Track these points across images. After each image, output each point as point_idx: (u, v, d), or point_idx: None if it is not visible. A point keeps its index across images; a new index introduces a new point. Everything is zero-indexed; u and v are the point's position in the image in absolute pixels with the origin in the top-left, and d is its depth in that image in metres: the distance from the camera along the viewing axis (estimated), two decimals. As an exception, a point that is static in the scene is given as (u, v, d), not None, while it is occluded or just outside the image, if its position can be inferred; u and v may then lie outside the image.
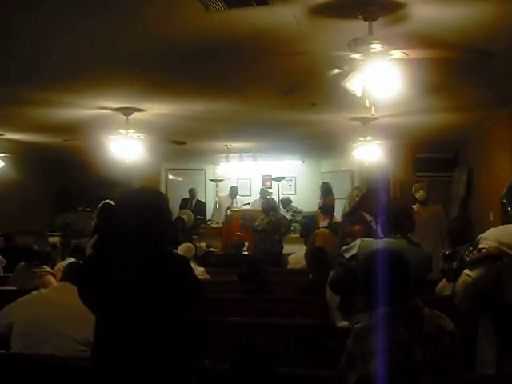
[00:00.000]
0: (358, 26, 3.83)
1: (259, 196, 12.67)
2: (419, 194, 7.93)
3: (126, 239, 2.68)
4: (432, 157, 11.61)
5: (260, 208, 10.55)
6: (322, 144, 11.22)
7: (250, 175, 13.86)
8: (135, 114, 7.21)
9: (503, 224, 3.76)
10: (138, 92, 6.33)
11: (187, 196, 13.07)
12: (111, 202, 6.47)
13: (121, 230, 2.69)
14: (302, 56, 4.59)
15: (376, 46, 3.71)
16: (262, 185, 13.75)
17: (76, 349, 3.78)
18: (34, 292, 4.43)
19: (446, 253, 3.91)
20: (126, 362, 2.65)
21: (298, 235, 11.31)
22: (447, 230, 4.37)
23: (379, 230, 4.13)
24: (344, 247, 4.13)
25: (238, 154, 12.29)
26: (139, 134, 7.39)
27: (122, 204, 2.83)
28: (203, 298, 2.94)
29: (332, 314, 4.96)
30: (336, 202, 10.16)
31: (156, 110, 7.17)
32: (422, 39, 4.07)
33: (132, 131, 7.33)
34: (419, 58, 3.93)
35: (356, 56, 3.82)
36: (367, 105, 4.16)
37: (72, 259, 7.79)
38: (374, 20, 3.69)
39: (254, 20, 3.99)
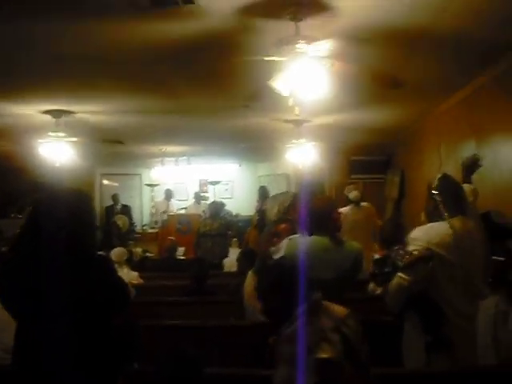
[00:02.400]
0: (287, 26, 3.85)
1: (194, 200, 12.64)
2: (353, 195, 8.03)
3: (48, 242, 2.61)
4: (366, 159, 11.81)
5: (195, 212, 10.52)
6: (258, 147, 11.26)
7: (186, 179, 13.79)
8: (65, 117, 7.05)
9: (431, 220, 3.83)
10: (67, 94, 6.19)
11: (122, 201, 12.98)
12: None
13: (42, 233, 2.62)
14: (232, 57, 4.59)
15: (302, 46, 3.73)
16: (199, 189, 13.71)
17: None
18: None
19: (376, 257, 3.96)
20: (51, 367, 2.59)
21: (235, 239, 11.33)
22: (379, 232, 4.44)
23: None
24: (272, 248, 4.15)
25: (173, 158, 12.21)
26: (70, 137, 7.23)
27: (43, 206, 2.75)
28: (128, 300, 2.90)
29: (249, 314, 4.99)
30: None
31: (87, 112, 7.02)
32: (348, 41, 4.13)
33: (62, 134, 7.17)
34: (346, 60, 3.97)
35: (283, 56, 3.84)
36: (290, 104, 4.17)
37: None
38: (300, 20, 3.71)
39: (183, 20, 3.95)
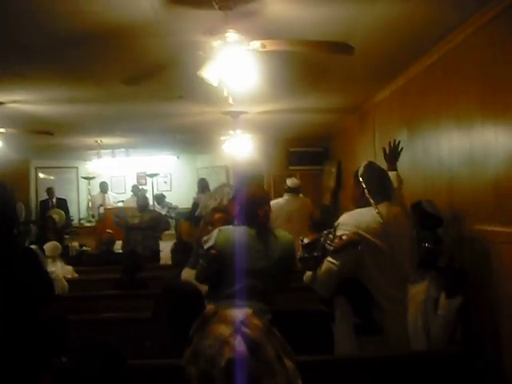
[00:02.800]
0: (216, 15, 3.82)
1: (131, 194, 12.51)
2: (291, 182, 8.07)
3: None
4: (304, 151, 11.92)
5: (132, 205, 10.40)
6: (195, 139, 11.22)
7: (123, 172, 13.63)
8: (-6, 107, 6.85)
9: (358, 206, 3.89)
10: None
11: (59, 195, 12.74)
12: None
13: None
14: (160, 45, 4.53)
15: (231, 36, 3.71)
16: (137, 182, 13.57)
17: None
18: None
19: (305, 241, 3.97)
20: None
21: (172, 232, 11.26)
22: (310, 218, 4.49)
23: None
24: (204, 238, 4.14)
25: (110, 150, 12.04)
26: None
27: None
28: (53, 294, 2.85)
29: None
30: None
31: (15, 101, 6.81)
32: (280, 31, 4.12)
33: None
34: (276, 51, 3.96)
35: (212, 45, 3.80)
36: (224, 94, 4.15)
37: None
38: (229, 10, 3.68)
39: (110, 7, 3.87)
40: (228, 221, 4.38)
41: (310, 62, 5.21)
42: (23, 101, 6.81)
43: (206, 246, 3.98)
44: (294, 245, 4.18)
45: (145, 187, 13.25)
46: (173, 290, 3.00)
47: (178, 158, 14.06)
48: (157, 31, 4.35)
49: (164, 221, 10.18)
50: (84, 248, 11.11)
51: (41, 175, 13.72)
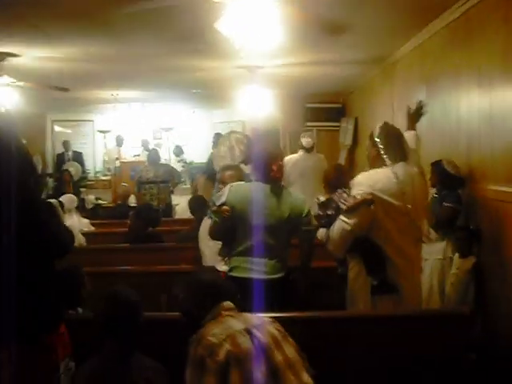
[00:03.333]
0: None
1: (142, 148, 12.54)
2: (305, 141, 8.04)
3: None
4: (321, 107, 11.80)
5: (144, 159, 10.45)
6: (211, 93, 11.13)
7: (139, 126, 13.59)
8: (9, 60, 6.81)
9: (373, 167, 3.88)
10: (10, 35, 5.96)
11: (74, 148, 12.80)
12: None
13: None
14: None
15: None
16: (153, 136, 13.55)
17: None
18: None
19: (321, 200, 3.98)
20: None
21: (188, 186, 11.32)
22: (323, 177, 4.46)
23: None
24: (215, 195, 4.16)
25: (126, 104, 12.00)
26: (14, 81, 7.00)
27: None
28: (69, 246, 2.87)
29: (206, 260, 5.03)
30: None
31: (33, 54, 6.77)
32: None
33: (7, 78, 6.93)
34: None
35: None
36: (238, 47, 4.09)
37: None
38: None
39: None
40: (238, 178, 4.38)
41: (331, 14, 5.10)
42: (40, 55, 6.77)
43: (218, 203, 4.00)
44: (305, 202, 4.17)
45: (160, 141, 13.25)
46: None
47: (194, 112, 13.96)
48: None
49: (177, 174, 10.20)
50: (99, 201, 11.18)
51: (57, 128, 13.73)
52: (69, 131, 13.63)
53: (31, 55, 6.81)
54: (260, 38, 3.90)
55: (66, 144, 12.73)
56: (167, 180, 9.60)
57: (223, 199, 3.97)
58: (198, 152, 12.96)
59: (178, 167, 11.60)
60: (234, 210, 3.94)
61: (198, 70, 8.27)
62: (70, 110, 13.16)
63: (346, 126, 11.04)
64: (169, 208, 9.54)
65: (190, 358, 2.63)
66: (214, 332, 2.62)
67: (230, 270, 4.05)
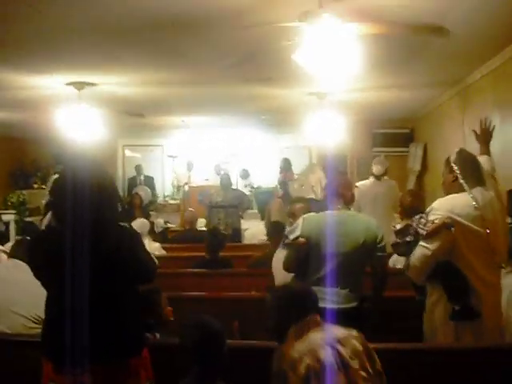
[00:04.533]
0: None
1: (214, 172, 12.66)
2: (376, 169, 7.98)
3: (73, 213, 2.66)
4: (389, 132, 11.74)
5: (216, 183, 10.54)
6: (280, 119, 11.22)
7: (207, 150, 13.77)
8: (88, 88, 7.07)
9: (449, 192, 3.84)
10: (90, 66, 6.21)
11: (145, 172, 13.07)
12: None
13: (73, 205, 2.66)
14: (254, 28, 4.54)
15: (326, 20, 3.69)
16: (221, 161, 13.70)
17: (26, 326, 3.73)
18: (-19, 271, 4.36)
19: (398, 227, 3.95)
20: (80, 335, 2.65)
21: (255, 211, 11.37)
22: (400, 203, 4.42)
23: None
24: (288, 229, 4.18)
25: (195, 129, 12.20)
26: (92, 108, 7.25)
27: (68, 178, 2.78)
28: (154, 274, 2.94)
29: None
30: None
31: (109, 83, 7.03)
32: (374, 14, 4.05)
33: (85, 105, 7.19)
34: (370, 33, 3.91)
35: (306, 29, 3.79)
36: (316, 76, 4.13)
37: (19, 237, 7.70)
38: (325, -7, 3.67)
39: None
40: (308, 210, 4.40)
41: (403, 42, 5.10)
42: (116, 83, 7.00)
43: (291, 237, 4.03)
44: (379, 227, 4.15)
45: (228, 166, 13.38)
46: None
47: (262, 137, 14.07)
48: (251, 15, 4.36)
49: (246, 199, 10.26)
50: (168, 225, 11.34)
51: (127, 153, 14.06)
52: (138, 155, 13.93)
53: (108, 82, 7.05)
54: (335, 67, 3.92)
55: (138, 168, 13.00)
56: (236, 205, 9.66)
57: (298, 232, 4.00)
58: (265, 177, 13.02)
59: (246, 191, 11.67)
60: (309, 240, 3.96)
61: (268, 96, 8.38)
62: (140, 135, 13.46)
63: (415, 152, 10.92)
64: (237, 233, 9.59)
65: (274, 372, 2.67)
66: (297, 347, 2.65)
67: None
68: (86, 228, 2.64)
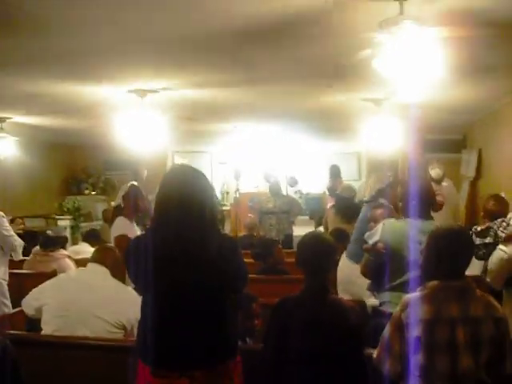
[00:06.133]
0: (388, 5, 3.80)
1: (264, 178, 12.68)
2: (434, 172, 7.90)
3: (182, 219, 2.71)
4: (441, 138, 11.64)
5: (265, 190, 10.57)
6: (331, 125, 11.18)
7: (257, 156, 13.80)
8: (149, 96, 7.16)
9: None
10: (152, 73, 6.28)
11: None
12: (135, 183, 6.45)
13: (175, 211, 2.72)
14: (326, 36, 4.56)
15: (407, 26, 3.68)
16: (269, 167, 13.71)
17: (108, 330, 3.80)
18: (62, 274, 4.48)
19: (478, 229, 3.93)
20: (179, 339, 2.70)
21: (306, 217, 11.34)
22: (483, 207, 4.40)
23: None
24: (367, 233, 4.18)
25: (245, 136, 12.23)
26: (152, 115, 7.35)
27: (172, 183, 2.84)
28: (247, 278, 2.98)
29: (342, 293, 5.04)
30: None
31: (171, 90, 7.09)
32: (457, 16, 4.00)
33: (145, 112, 7.29)
34: (454, 37, 3.88)
35: (386, 36, 3.79)
36: (396, 86, 4.12)
37: (84, 244, 7.85)
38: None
39: (278, 0, 3.94)
40: (389, 215, 4.41)
41: (489, 46, 5.01)
42: (178, 89, 7.07)
43: (371, 241, 4.03)
44: None
45: (277, 172, 13.39)
46: None
47: (311, 143, 14.06)
48: (327, 24, 4.37)
49: (297, 205, 10.26)
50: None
51: (177, 159, 14.17)
52: (187, 162, 14.00)
53: (168, 92, 7.13)
54: (415, 75, 3.90)
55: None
56: (286, 211, 9.67)
57: (377, 237, 4.00)
58: (314, 183, 13.00)
59: (296, 198, 11.65)
60: (388, 246, 3.95)
61: (322, 102, 8.36)
62: (190, 141, 13.57)
63: (468, 158, 10.79)
64: (289, 239, 9.59)
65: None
66: None
67: (381, 305, 4.04)
68: (189, 234, 2.69)
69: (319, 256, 3.18)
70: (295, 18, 4.30)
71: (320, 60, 5.51)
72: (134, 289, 3.08)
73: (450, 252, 2.86)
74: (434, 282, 2.84)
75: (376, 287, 4.19)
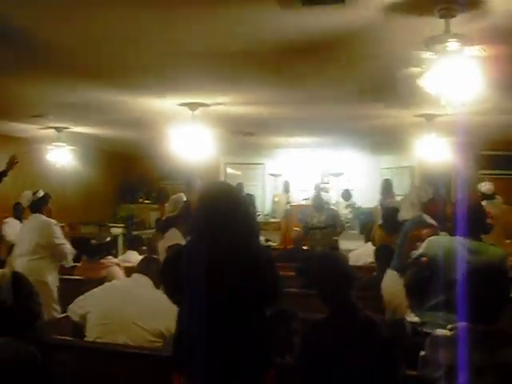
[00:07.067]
0: (434, 23, 3.78)
1: (314, 191, 12.68)
2: (486, 188, 7.73)
3: (220, 233, 2.76)
4: (496, 154, 11.40)
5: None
6: (384, 140, 11.11)
7: (309, 169, 13.82)
8: (201, 109, 7.28)
9: None
10: (205, 88, 6.39)
11: (245, 190, 13.19)
12: (181, 195, 6.55)
13: (215, 223, 2.77)
14: (374, 52, 4.57)
15: (453, 44, 3.66)
16: (321, 180, 13.71)
17: (147, 339, 3.85)
18: (107, 283, 4.57)
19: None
20: (216, 350, 2.73)
21: (355, 231, 11.26)
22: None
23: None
24: (412, 252, 4.13)
25: (297, 149, 12.28)
26: (203, 128, 7.47)
27: (212, 197, 2.90)
28: (282, 291, 3.00)
29: (388, 313, 4.98)
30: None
31: (222, 104, 7.21)
32: (503, 34, 3.96)
33: (197, 125, 7.41)
34: (497, 54, 3.84)
35: (432, 54, 3.77)
36: (443, 103, 4.08)
37: (132, 251, 7.98)
38: (452, 17, 3.64)
39: (328, 19, 3.97)
40: (436, 234, 4.36)
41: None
42: (229, 103, 7.18)
43: (415, 255, 3.98)
44: (502, 260, 4.01)
45: (327, 185, 13.38)
46: None
47: (363, 157, 14.00)
48: (373, 42, 4.38)
49: (339, 220, 10.07)
50: (269, 243, 11.41)
51: (229, 170, 14.31)
52: (239, 173, 14.14)
53: (219, 103, 7.24)
54: (462, 92, 3.86)
55: (239, 186, 13.14)
56: (332, 224, 9.57)
57: (420, 250, 3.95)
58: (366, 198, 12.91)
59: (347, 212, 11.61)
60: (432, 261, 3.89)
61: (374, 118, 8.34)
62: (241, 153, 13.69)
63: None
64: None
65: None
66: None
67: (422, 325, 3.98)
68: (231, 244, 2.73)
69: (336, 276, 3.07)
70: (347, 36, 4.35)
71: (371, 76, 5.52)
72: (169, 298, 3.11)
73: (478, 294, 2.76)
74: (463, 324, 2.76)
75: (416, 305, 4.12)
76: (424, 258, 3.90)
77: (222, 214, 2.78)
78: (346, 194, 12.86)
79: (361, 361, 2.94)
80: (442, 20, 3.71)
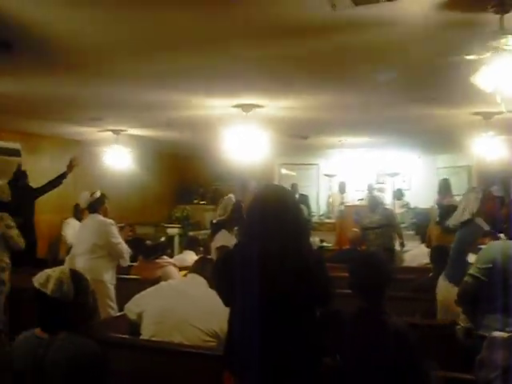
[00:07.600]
0: (488, 19, 3.73)
1: (367, 192, 12.58)
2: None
3: (272, 235, 2.79)
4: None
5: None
6: (440, 139, 10.94)
7: (363, 170, 13.72)
8: (254, 111, 7.33)
9: None
10: (259, 89, 6.43)
11: (300, 191, 13.20)
12: (231, 197, 6.60)
13: (267, 226, 2.79)
14: (426, 50, 4.52)
15: (508, 40, 3.59)
16: (376, 180, 13.59)
17: (202, 339, 3.89)
18: (163, 283, 4.64)
19: None
20: (267, 351, 2.75)
21: (411, 232, 11.10)
22: None
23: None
24: (470, 256, 4.07)
25: (351, 149, 12.20)
26: (257, 129, 7.51)
27: (263, 200, 2.92)
28: (334, 293, 3.00)
29: (443, 314, 4.91)
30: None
31: (275, 106, 7.24)
32: None
33: (251, 126, 7.46)
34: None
35: (487, 51, 3.70)
36: (498, 101, 4.00)
37: (189, 251, 8.09)
38: (505, 13, 3.57)
39: (380, 19, 3.95)
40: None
41: None
42: (284, 105, 7.22)
43: (476, 263, 3.94)
44: None
45: (383, 186, 13.24)
46: None
47: (420, 157, 13.81)
48: (426, 39, 4.33)
49: (394, 220, 9.94)
50: (324, 244, 11.40)
51: (283, 171, 14.34)
52: (294, 174, 14.15)
53: (273, 107, 7.27)
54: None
55: (294, 187, 13.11)
56: (386, 224, 9.45)
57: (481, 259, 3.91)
58: (421, 198, 12.74)
59: (402, 211, 11.46)
60: (492, 268, 3.84)
61: (429, 117, 8.23)
62: (296, 154, 13.70)
63: None
64: (390, 253, 9.36)
65: None
66: None
67: (479, 328, 3.92)
68: (283, 246, 2.76)
69: (371, 276, 3.15)
70: (400, 36, 4.32)
71: (425, 74, 5.45)
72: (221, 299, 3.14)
73: None
74: None
75: (470, 312, 4.07)
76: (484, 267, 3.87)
77: (273, 217, 2.80)
78: (398, 194, 12.70)
79: (385, 364, 2.93)
80: (497, 16, 3.64)
